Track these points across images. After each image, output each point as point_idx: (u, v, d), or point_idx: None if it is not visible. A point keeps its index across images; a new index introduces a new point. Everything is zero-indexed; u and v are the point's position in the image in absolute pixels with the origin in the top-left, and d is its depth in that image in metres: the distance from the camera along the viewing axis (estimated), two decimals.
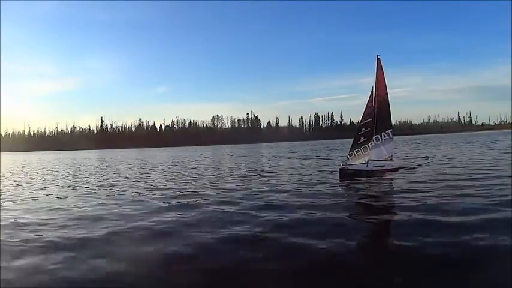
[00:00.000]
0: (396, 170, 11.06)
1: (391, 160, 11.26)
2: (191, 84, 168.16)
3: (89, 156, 42.64)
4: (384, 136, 11.15)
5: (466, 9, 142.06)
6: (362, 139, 10.97)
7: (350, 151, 11.05)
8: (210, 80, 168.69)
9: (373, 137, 11.02)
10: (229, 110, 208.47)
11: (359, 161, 10.80)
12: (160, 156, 36.50)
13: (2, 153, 62.76)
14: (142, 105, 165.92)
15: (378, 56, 11.38)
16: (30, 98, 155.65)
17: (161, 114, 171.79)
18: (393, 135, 11.31)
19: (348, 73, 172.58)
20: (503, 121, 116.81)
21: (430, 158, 15.78)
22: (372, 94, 11.10)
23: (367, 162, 10.72)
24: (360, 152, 10.93)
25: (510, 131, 59.48)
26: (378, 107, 11.05)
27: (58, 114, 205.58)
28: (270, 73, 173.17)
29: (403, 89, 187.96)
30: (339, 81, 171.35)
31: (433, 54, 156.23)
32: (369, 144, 10.94)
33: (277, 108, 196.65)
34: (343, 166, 10.65)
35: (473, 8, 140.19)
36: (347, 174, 10.18)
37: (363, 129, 11.00)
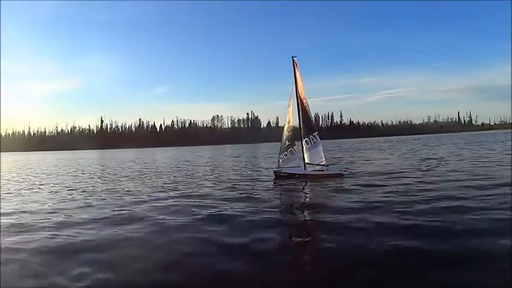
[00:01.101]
0: (337, 175, 10.55)
1: (325, 165, 11.13)
2: (191, 84, 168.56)
3: (82, 156, 42.62)
4: (312, 139, 11.14)
5: (466, 9, 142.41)
6: (287, 143, 11.18)
7: (279, 155, 11.29)
8: (210, 80, 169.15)
9: (303, 141, 11.12)
10: (229, 110, 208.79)
11: (291, 163, 11.06)
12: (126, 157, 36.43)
13: (2, 153, 62.74)
14: (142, 105, 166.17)
15: (293, 57, 11.23)
16: (30, 98, 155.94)
17: (161, 114, 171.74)
18: (320, 138, 11.27)
19: (348, 73, 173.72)
20: (503, 121, 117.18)
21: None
22: (291, 97, 11.13)
23: (305, 166, 11.00)
24: (288, 156, 11.15)
25: (510, 131, 59.53)
26: (302, 110, 11.14)
27: (58, 114, 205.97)
28: (270, 73, 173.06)
29: (403, 88, 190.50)
30: (339, 81, 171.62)
31: (433, 54, 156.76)
32: (294, 147, 11.18)
33: (277, 108, 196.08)
34: (277, 169, 11.19)
35: (473, 8, 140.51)
36: (281, 176, 10.80)
37: (287, 132, 11.19)
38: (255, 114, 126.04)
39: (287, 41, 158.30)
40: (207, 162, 22.95)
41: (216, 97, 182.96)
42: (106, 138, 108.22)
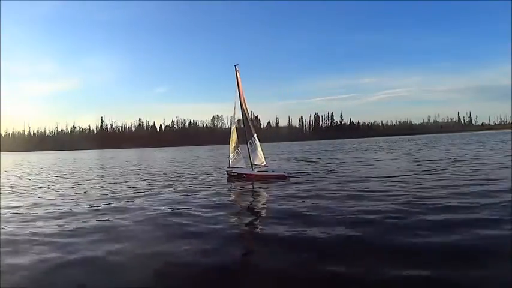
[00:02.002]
0: (280, 177, 10.71)
1: (266, 165, 11.57)
2: (191, 84, 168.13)
3: (76, 157, 42.62)
4: (252, 143, 11.65)
5: (466, 9, 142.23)
6: (233, 144, 11.84)
7: (229, 156, 11.94)
8: (210, 80, 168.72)
9: (248, 143, 11.65)
10: (229, 110, 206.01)
11: (238, 164, 11.74)
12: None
13: (2, 153, 62.72)
14: (142, 105, 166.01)
15: (235, 65, 11.78)
16: (30, 98, 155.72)
17: (161, 114, 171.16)
18: (259, 141, 11.78)
19: (348, 73, 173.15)
20: (503, 121, 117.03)
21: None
22: (235, 102, 11.68)
23: (252, 167, 11.45)
24: (236, 156, 11.82)
25: (510, 131, 59.51)
26: (245, 114, 11.77)
27: (58, 114, 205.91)
28: (270, 73, 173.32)
29: (403, 89, 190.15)
30: (339, 81, 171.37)
31: (433, 54, 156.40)
32: (239, 148, 11.84)
33: (277, 108, 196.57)
34: (229, 168, 11.87)
35: (473, 8, 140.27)
36: (232, 176, 11.51)
37: (232, 135, 11.89)
38: (255, 114, 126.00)
39: (287, 41, 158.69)
40: (192, 161, 23.03)
41: (216, 97, 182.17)
42: (106, 138, 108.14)
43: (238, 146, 11.84)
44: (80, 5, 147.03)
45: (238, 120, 12.59)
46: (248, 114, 11.87)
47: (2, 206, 7.46)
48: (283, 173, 10.99)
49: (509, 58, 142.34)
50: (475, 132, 79.56)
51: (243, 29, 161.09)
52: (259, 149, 11.55)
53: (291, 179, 10.53)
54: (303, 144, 56.69)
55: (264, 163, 11.47)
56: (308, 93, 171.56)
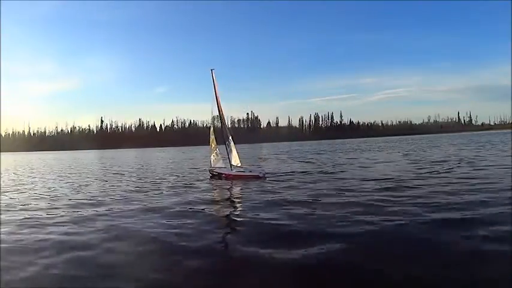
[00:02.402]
0: (256, 177, 11.27)
1: (241, 166, 12.08)
2: (191, 84, 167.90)
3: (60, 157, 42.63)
4: (230, 144, 12.19)
5: (466, 9, 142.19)
6: (213, 145, 12.50)
7: (210, 156, 12.56)
8: (210, 80, 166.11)
9: (225, 145, 12.19)
10: (229, 110, 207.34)
11: (219, 164, 12.36)
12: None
13: (2, 153, 62.74)
14: (142, 105, 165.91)
15: (212, 69, 12.27)
16: (30, 98, 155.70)
17: (161, 114, 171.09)
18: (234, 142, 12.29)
19: (348, 73, 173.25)
20: (503, 121, 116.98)
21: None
22: (213, 105, 12.37)
23: (231, 167, 12.00)
24: (215, 157, 12.45)
25: (510, 131, 59.54)
26: (222, 117, 12.36)
27: (58, 114, 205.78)
28: (270, 73, 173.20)
29: (403, 89, 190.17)
30: (339, 81, 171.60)
31: (433, 54, 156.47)
32: (217, 149, 12.49)
33: (277, 108, 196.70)
34: (211, 168, 12.48)
35: (473, 8, 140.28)
36: (214, 175, 12.14)
37: (211, 136, 12.54)
38: (255, 114, 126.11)
39: (287, 41, 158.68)
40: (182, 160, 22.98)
41: None
42: (106, 138, 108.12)
43: (217, 147, 12.48)
44: (80, 5, 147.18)
45: (214, 117, 13.24)
46: (224, 117, 12.50)
47: None
48: (259, 174, 11.50)
49: (509, 58, 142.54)
50: (475, 133, 79.52)
51: (243, 29, 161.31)
52: (234, 151, 12.08)
53: (267, 179, 11.00)
54: (303, 144, 56.61)
55: (239, 164, 11.99)
56: (308, 93, 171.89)
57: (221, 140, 12.39)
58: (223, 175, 11.69)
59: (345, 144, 47.07)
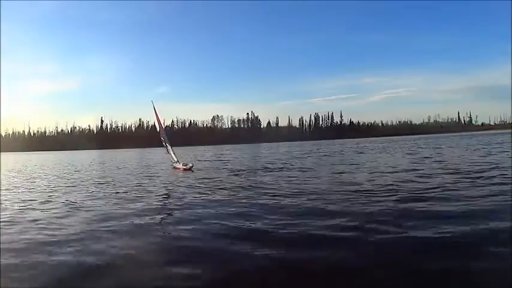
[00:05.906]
0: (189, 169, 14.21)
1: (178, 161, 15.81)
2: (191, 84, 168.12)
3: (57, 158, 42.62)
4: (166, 146, 16.73)
5: (467, 9, 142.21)
6: (169, 147, 16.57)
7: (171, 155, 16.42)
8: (210, 80, 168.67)
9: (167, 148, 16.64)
10: (229, 110, 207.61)
11: (173, 160, 16.04)
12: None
13: (2, 153, 62.77)
14: (143, 105, 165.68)
15: (152, 101, 17.91)
16: (30, 98, 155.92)
17: (161, 114, 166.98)
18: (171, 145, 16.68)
19: (348, 73, 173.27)
20: (503, 121, 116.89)
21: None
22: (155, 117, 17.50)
23: (178, 162, 15.49)
24: (169, 154, 16.59)
25: (510, 131, 59.52)
26: (163, 134, 17.05)
27: (58, 114, 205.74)
28: (270, 73, 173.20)
29: (403, 89, 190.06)
30: (339, 81, 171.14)
31: (434, 54, 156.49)
32: (167, 149, 16.65)
33: (277, 108, 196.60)
34: (171, 163, 16.13)
35: (473, 8, 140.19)
36: (174, 168, 15.35)
37: (162, 138, 16.99)
38: (255, 114, 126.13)
39: (287, 40, 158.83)
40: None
41: (216, 97, 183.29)
42: (106, 138, 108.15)
43: (165, 147, 16.72)
44: (80, 5, 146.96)
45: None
46: (164, 132, 17.21)
47: None
48: (191, 167, 14.46)
49: (509, 58, 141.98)
50: (475, 133, 79.41)
51: (243, 29, 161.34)
52: (171, 152, 16.45)
53: (196, 171, 13.81)
54: (303, 145, 56.60)
55: (175, 160, 15.88)
56: (308, 93, 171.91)
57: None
58: (177, 168, 15.18)
59: (346, 145, 46.85)
